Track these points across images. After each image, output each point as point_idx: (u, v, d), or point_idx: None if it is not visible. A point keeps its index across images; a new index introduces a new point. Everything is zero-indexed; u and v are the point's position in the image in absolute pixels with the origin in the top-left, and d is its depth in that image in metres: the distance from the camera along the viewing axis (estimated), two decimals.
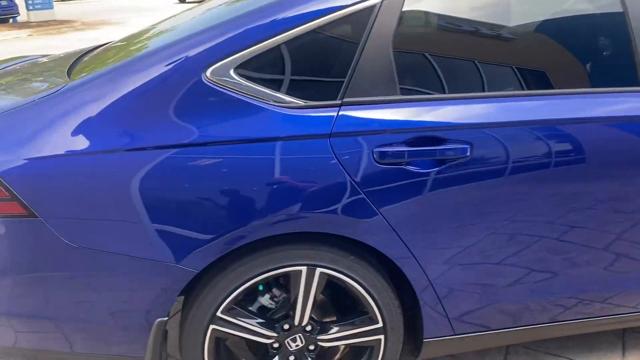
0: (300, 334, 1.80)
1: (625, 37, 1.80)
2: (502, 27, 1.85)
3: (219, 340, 1.79)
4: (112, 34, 12.78)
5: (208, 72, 1.60)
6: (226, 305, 1.70)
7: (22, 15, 17.28)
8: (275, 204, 1.61)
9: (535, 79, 1.82)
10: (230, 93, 1.61)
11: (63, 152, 1.55)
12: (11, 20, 17.32)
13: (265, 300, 1.83)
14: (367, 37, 1.66)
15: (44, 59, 2.41)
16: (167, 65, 1.61)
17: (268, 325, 1.78)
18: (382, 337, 1.83)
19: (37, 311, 1.66)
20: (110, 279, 1.63)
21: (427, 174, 1.66)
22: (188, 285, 1.68)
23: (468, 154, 1.66)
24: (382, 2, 1.68)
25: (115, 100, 1.59)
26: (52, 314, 1.66)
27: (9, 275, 1.63)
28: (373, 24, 1.67)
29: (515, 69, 1.81)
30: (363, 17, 1.67)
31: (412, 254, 1.72)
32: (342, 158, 1.62)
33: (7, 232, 1.59)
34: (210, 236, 1.60)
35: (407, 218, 1.68)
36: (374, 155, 1.63)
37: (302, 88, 1.67)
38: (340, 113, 1.64)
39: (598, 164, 1.75)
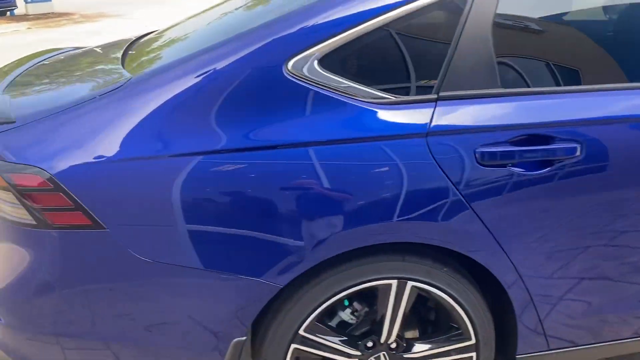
0: (384, 352, 1.64)
1: None
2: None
3: None
4: (111, 27, 12.51)
5: (289, 65, 1.43)
6: (310, 322, 1.54)
7: (20, 8, 16.95)
8: (368, 212, 1.44)
9: None
10: (315, 88, 1.44)
11: (131, 156, 1.38)
12: (8, 13, 16.99)
13: (345, 315, 1.66)
14: (465, 21, 1.48)
15: (86, 50, 2.22)
16: (240, 59, 1.43)
17: (351, 343, 1.62)
18: (474, 354, 1.67)
19: (105, 334, 1.49)
20: (186, 297, 1.46)
21: (534, 176, 1.49)
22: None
23: (577, 153, 1.50)
24: None
25: (185, 99, 1.41)
26: (118, 336, 1.49)
27: (72, 292, 1.45)
28: (471, 7, 1.49)
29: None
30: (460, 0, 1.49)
31: (514, 266, 1.56)
32: (441, 159, 1.45)
33: (68, 247, 1.41)
34: (298, 246, 1.42)
35: (510, 226, 1.52)
36: (476, 156, 1.46)
37: (392, 81, 1.50)
38: (437, 109, 1.47)
39: None
